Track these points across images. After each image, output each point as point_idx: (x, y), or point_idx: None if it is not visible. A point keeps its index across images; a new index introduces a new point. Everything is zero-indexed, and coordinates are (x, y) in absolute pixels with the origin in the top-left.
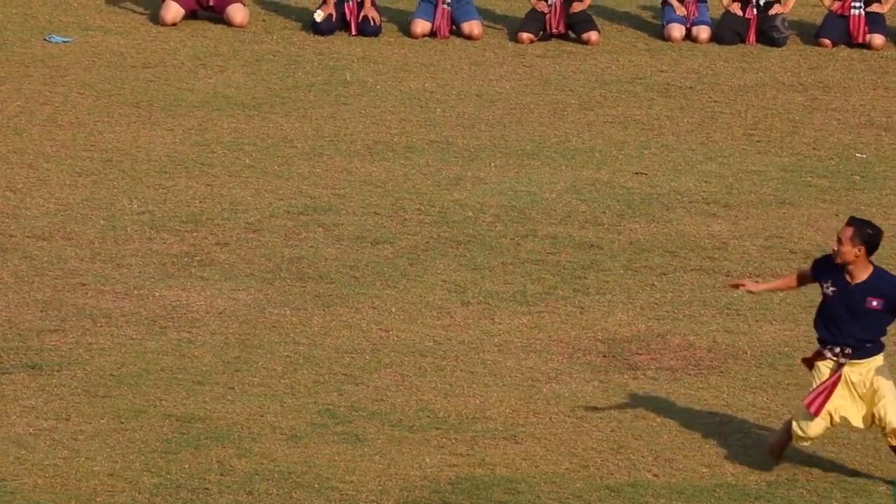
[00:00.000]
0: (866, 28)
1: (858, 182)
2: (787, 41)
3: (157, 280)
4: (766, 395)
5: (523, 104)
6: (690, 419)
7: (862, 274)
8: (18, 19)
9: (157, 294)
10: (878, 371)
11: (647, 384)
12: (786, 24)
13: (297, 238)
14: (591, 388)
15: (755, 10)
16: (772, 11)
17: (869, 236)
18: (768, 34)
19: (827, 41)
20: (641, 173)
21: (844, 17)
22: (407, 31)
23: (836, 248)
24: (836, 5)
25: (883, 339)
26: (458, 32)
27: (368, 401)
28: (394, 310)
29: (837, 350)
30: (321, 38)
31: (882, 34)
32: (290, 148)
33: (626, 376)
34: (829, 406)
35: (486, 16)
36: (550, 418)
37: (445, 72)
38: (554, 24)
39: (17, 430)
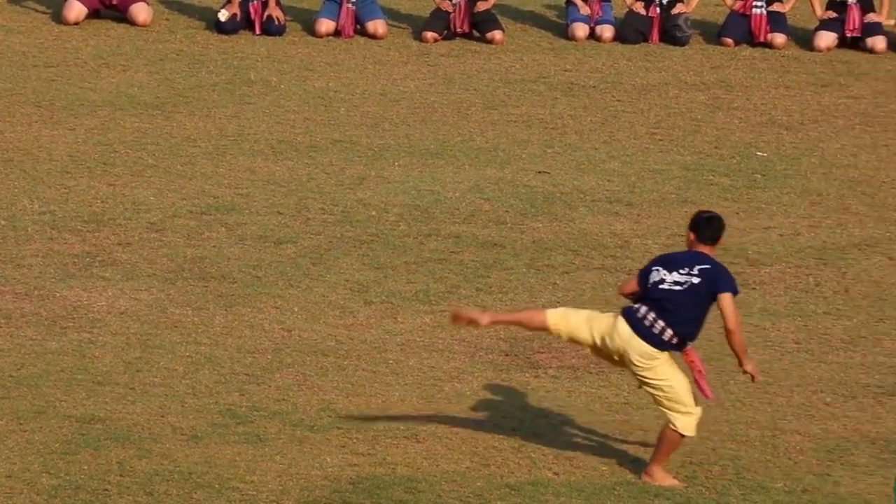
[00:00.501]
0: (768, 27)
1: (759, 180)
2: (690, 40)
3: (57, 280)
4: None
5: (427, 103)
6: (591, 417)
7: None
8: None
9: (57, 294)
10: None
11: (549, 383)
12: (688, 23)
13: (199, 238)
14: (493, 386)
15: (658, 9)
16: (675, 10)
17: (694, 221)
18: (671, 33)
19: (729, 40)
20: (545, 172)
21: (746, 17)
22: (311, 30)
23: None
24: (738, 4)
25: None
26: (362, 31)
27: (270, 400)
28: (296, 309)
29: None
30: (225, 38)
31: (783, 33)
32: (193, 147)
33: (527, 375)
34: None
35: (391, 15)
36: (452, 417)
37: (350, 71)
38: (458, 24)
39: None
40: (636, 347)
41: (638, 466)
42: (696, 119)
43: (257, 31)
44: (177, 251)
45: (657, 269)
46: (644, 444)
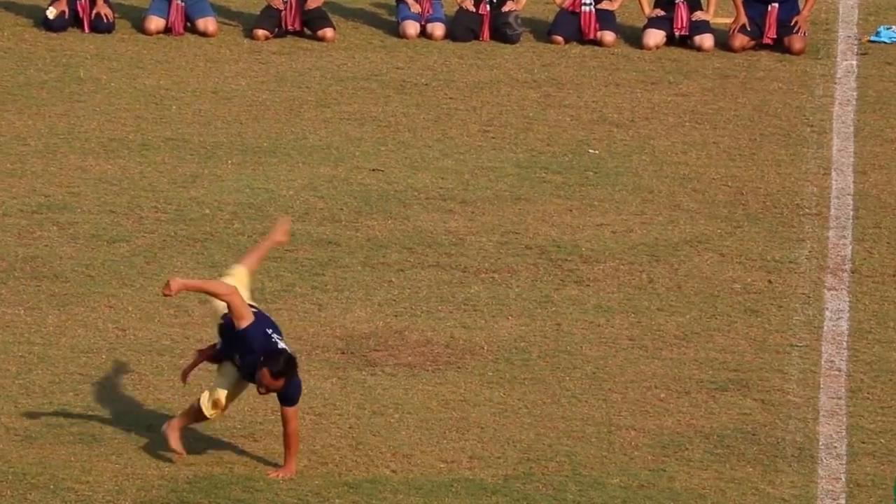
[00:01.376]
0: (597, 25)
1: (592, 178)
2: (521, 38)
3: None
4: (503, 389)
5: (260, 101)
6: (428, 415)
7: None
8: None
9: None
10: None
11: (386, 380)
12: (519, 20)
13: (31, 237)
14: (330, 384)
15: (488, 6)
16: (505, 8)
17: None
18: (502, 31)
19: (559, 38)
20: (378, 170)
21: (576, 14)
22: (141, 27)
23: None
24: (567, 2)
25: None
26: (192, 29)
27: (106, 401)
28: (130, 308)
29: None
30: (53, 35)
31: (612, 31)
32: (22, 146)
33: (364, 373)
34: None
35: (221, 12)
36: None
37: (180, 69)
38: (289, 21)
39: None
40: None
41: (475, 463)
42: (528, 117)
43: (86, 29)
44: (8, 250)
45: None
46: (480, 441)
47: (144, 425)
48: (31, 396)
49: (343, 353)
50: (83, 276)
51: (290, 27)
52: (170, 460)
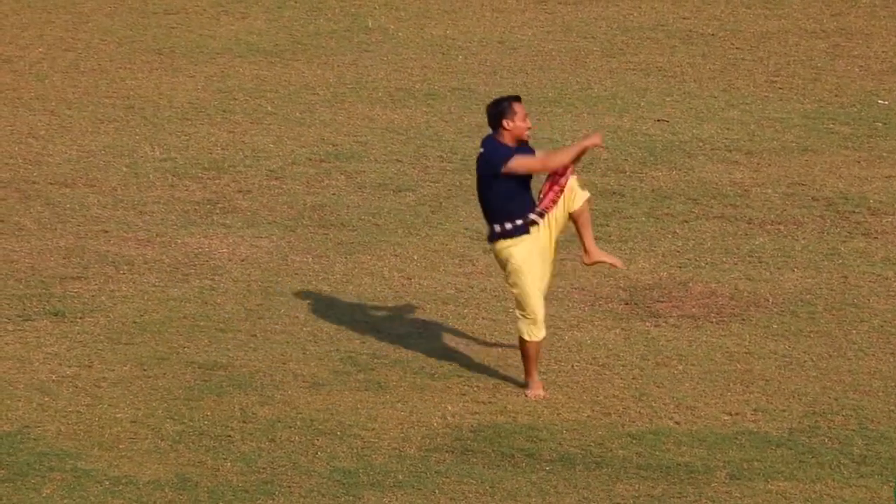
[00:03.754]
0: None
1: (880, 129)
2: None
3: (179, 227)
4: (788, 342)
5: (545, 51)
6: (712, 367)
7: None
8: None
9: (179, 241)
10: None
11: (669, 332)
12: None
13: (319, 185)
14: (613, 335)
15: None
16: None
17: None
18: None
19: None
20: (663, 120)
21: None
22: None
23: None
24: None
25: None
26: None
27: (390, 349)
28: (416, 257)
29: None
30: None
31: None
32: (311, 95)
33: (647, 324)
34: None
35: None
36: (573, 366)
37: (467, 19)
38: None
39: (41, 377)
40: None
41: (759, 416)
42: (816, 67)
43: None
44: (296, 199)
45: None
46: (765, 394)
47: (429, 373)
48: (319, 343)
49: (626, 304)
50: (370, 225)
51: None
52: (453, 409)
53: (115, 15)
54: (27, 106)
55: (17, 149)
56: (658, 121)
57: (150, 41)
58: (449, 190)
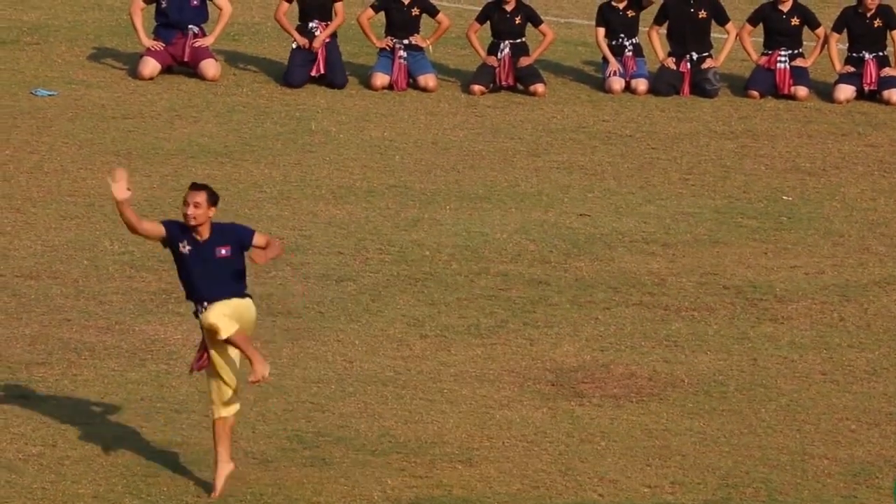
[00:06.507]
0: (791, 80)
1: (785, 223)
2: (719, 93)
3: (136, 316)
4: (703, 420)
5: (476, 151)
6: (633, 443)
7: (206, 232)
8: (6, 74)
9: (136, 329)
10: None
11: (593, 411)
12: (717, 76)
13: (266, 276)
14: (541, 414)
15: (689, 64)
16: (704, 65)
17: (216, 196)
18: (701, 86)
19: (755, 92)
20: (585, 215)
21: (771, 71)
22: (367, 83)
23: (189, 213)
24: (763, 59)
25: (240, 284)
26: (414, 85)
27: (334, 427)
28: (357, 342)
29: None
30: (288, 91)
31: (805, 86)
32: (259, 192)
33: (572, 403)
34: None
35: (440, 69)
36: (503, 442)
37: (403, 121)
38: (503, 77)
39: (8, 456)
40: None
41: (677, 488)
42: (726, 166)
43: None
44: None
45: None
46: (681, 468)
47: (370, 450)
48: (267, 423)
49: (553, 384)
50: (314, 313)
51: (503, 83)
52: (393, 483)
53: (77, 119)
54: None
55: None
56: (581, 215)
57: (109, 143)
58: (387, 280)
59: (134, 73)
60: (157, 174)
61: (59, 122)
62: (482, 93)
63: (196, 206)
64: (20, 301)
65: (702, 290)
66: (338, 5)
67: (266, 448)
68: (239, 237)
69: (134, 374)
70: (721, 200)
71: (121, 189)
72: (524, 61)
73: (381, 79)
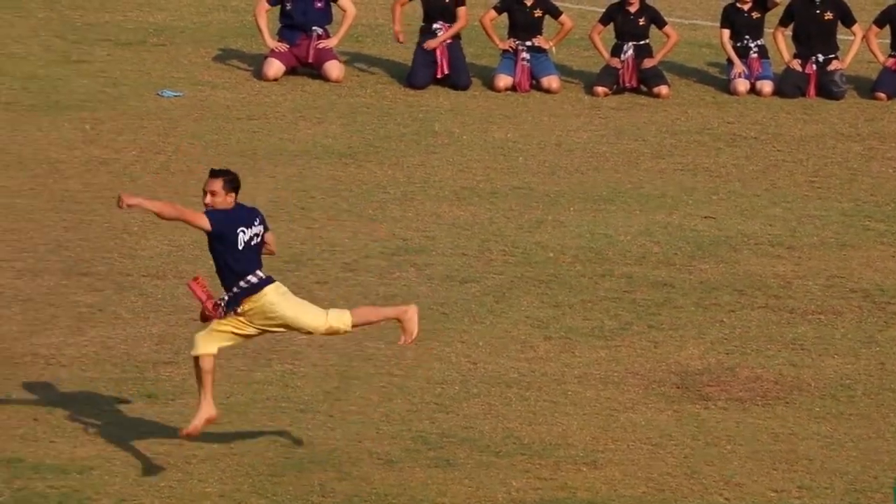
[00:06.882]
0: None
1: None
2: (845, 95)
3: None
4: (830, 424)
5: (599, 153)
6: (759, 447)
7: None
8: (133, 75)
9: None
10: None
11: (718, 414)
12: (843, 78)
13: (390, 277)
14: (666, 417)
15: (815, 66)
16: (830, 67)
17: (236, 182)
18: (827, 88)
19: (882, 95)
20: (710, 217)
21: None
22: (490, 85)
23: (206, 201)
24: (891, 61)
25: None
26: (537, 86)
27: (458, 428)
28: (481, 344)
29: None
30: (411, 92)
31: None
32: (383, 193)
33: (697, 406)
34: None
35: (563, 71)
36: (628, 445)
37: (527, 123)
38: (627, 79)
39: (136, 454)
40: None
41: (803, 492)
42: (853, 168)
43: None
44: (370, 289)
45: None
46: (808, 472)
47: (494, 451)
48: (392, 423)
49: (678, 387)
50: (438, 314)
51: (627, 84)
52: (517, 485)
53: (202, 120)
54: None
55: (112, 244)
56: (705, 217)
57: (235, 144)
58: (511, 281)
59: (258, 75)
60: (282, 175)
61: (185, 122)
62: (606, 94)
63: (213, 194)
64: (147, 300)
65: (828, 294)
66: (461, 9)
67: (390, 449)
68: (263, 218)
69: (259, 374)
70: (848, 203)
71: (129, 197)
72: (648, 63)
73: (503, 80)
